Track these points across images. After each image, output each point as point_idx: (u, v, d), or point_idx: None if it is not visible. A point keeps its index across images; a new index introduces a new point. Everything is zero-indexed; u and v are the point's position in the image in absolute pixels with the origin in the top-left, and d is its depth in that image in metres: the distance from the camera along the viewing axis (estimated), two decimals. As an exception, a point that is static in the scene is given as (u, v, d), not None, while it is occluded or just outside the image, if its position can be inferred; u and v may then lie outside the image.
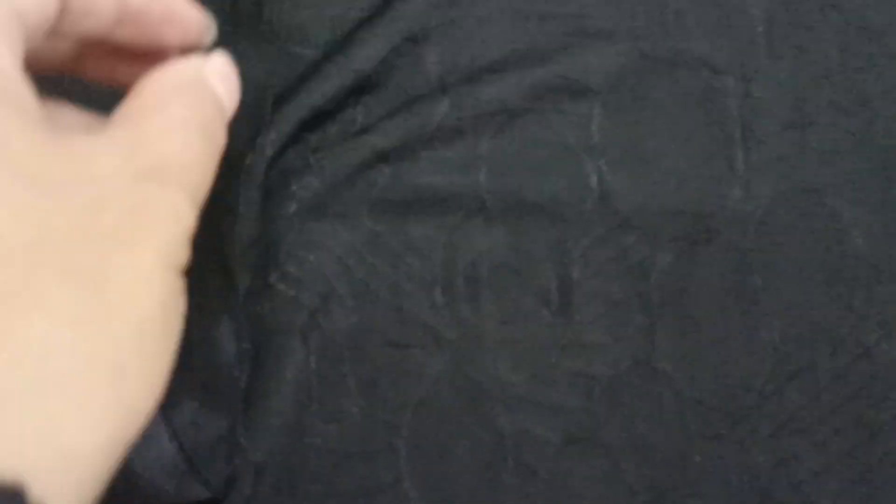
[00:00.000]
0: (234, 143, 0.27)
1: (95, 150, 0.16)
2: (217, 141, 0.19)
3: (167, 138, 0.17)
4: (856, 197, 0.27)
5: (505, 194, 0.27)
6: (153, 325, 0.15)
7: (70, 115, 0.20)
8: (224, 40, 0.22)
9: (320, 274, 0.26)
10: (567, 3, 0.28)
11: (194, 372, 0.25)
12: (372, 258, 0.26)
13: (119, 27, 0.20)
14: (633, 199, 0.27)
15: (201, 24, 0.22)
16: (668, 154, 0.27)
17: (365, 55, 0.27)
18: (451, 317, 0.26)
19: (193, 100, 0.19)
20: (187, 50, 0.21)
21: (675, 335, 0.26)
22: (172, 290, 0.16)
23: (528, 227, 0.27)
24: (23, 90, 0.16)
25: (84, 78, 0.21)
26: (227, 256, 0.25)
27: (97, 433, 0.14)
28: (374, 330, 0.26)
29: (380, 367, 0.26)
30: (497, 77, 0.27)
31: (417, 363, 0.26)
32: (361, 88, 0.27)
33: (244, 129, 0.26)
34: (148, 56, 0.21)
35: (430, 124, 0.27)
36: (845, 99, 0.28)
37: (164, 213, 0.16)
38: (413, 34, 0.27)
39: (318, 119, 0.26)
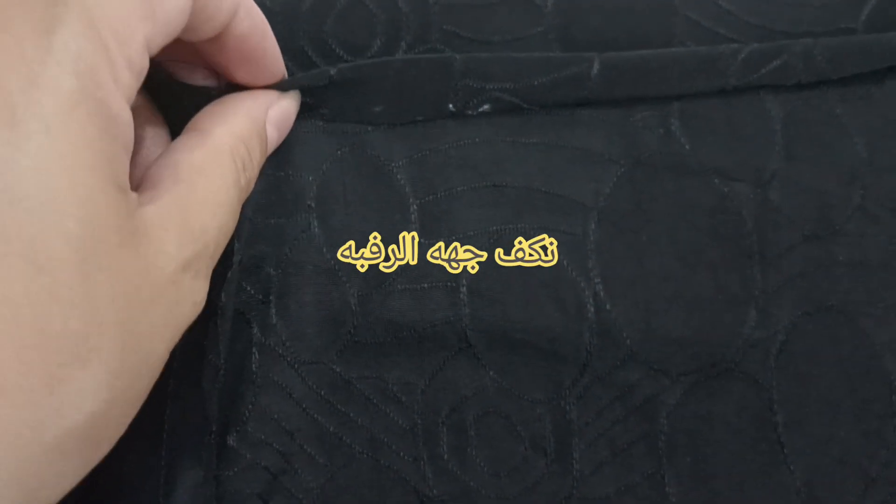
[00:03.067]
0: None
1: (159, 244, 0.17)
2: (245, 195, 0.20)
3: (210, 217, 0.18)
4: (888, 317, 0.24)
5: (491, 330, 0.23)
6: (138, 399, 0.17)
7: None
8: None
9: (283, 430, 0.23)
10: (547, 118, 0.24)
11: None
12: (344, 408, 0.23)
13: (209, 45, 0.20)
14: (636, 330, 0.23)
15: (278, 74, 0.22)
16: (675, 275, 0.24)
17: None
18: (434, 471, 0.23)
19: (245, 159, 0.20)
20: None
21: (687, 484, 0.23)
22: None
23: (519, 366, 0.23)
24: (123, 163, 0.16)
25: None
26: (207, 415, 0.22)
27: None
28: (347, 490, 0.23)
29: None
30: (477, 196, 0.24)
31: None
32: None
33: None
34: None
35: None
36: (875, 203, 0.24)
37: (191, 303, 0.18)
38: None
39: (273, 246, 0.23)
